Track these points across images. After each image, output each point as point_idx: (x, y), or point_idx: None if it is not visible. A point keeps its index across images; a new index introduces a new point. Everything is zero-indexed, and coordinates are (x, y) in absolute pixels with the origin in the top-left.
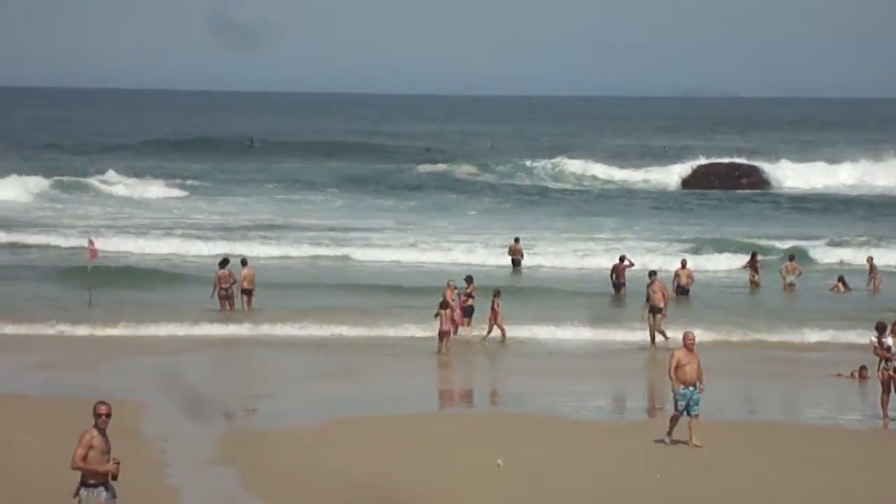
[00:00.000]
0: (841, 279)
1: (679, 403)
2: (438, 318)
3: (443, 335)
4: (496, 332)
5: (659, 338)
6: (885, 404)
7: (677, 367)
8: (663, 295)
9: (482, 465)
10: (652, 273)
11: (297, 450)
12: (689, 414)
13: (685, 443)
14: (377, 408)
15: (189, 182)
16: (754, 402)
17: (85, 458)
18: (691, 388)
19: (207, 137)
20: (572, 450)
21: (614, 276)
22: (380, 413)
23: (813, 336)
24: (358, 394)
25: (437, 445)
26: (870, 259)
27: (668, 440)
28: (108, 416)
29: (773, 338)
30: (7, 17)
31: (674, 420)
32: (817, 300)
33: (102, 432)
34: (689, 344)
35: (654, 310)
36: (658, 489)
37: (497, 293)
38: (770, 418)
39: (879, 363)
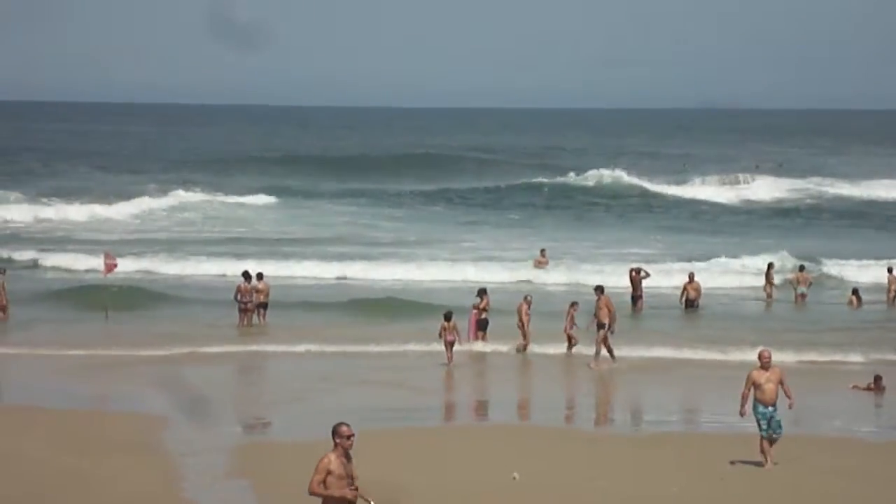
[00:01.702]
0: (855, 292)
1: (761, 423)
2: (443, 329)
3: (448, 345)
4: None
5: (605, 351)
6: None
7: (755, 387)
8: (609, 311)
9: (497, 479)
10: (598, 288)
11: (311, 462)
12: (771, 436)
13: (759, 463)
14: (390, 420)
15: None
16: None
17: (324, 484)
18: (771, 409)
19: (325, 154)
20: (588, 463)
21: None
22: (392, 425)
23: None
24: (372, 405)
25: (451, 457)
26: (890, 270)
27: (769, 466)
28: (352, 437)
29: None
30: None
31: (764, 442)
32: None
33: (345, 455)
34: (765, 362)
35: (599, 325)
36: (675, 502)
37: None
38: (786, 430)
39: None
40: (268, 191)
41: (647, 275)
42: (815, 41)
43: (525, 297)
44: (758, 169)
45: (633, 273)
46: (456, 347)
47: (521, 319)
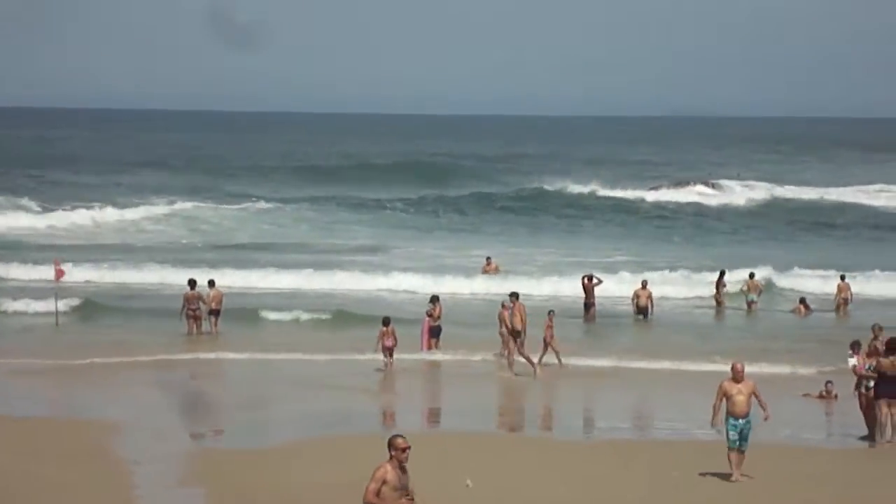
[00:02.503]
0: (802, 301)
1: (731, 434)
2: (381, 334)
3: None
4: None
5: (521, 359)
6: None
7: (726, 398)
8: (522, 319)
9: (450, 486)
10: (513, 295)
11: (264, 469)
12: (739, 448)
13: (728, 476)
14: (346, 426)
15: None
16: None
17: (378, 494)
18: (742, 420)
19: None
20: (544, 470)
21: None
22: (348, 432)
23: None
24: (330, 412)
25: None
26: (843, 277)
27: (738, 477)
28: (407, 450)
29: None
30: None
31: (732, 455)
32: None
33: (400, 467)
34: (737, 375)
35: (513, 333)
36: None
37: (550, 313)
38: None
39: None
40: (243, 198)
41: (600, 281)
42: (789, 51)
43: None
44: (739, 176)
45: (586, 280)
46: (414, 356)
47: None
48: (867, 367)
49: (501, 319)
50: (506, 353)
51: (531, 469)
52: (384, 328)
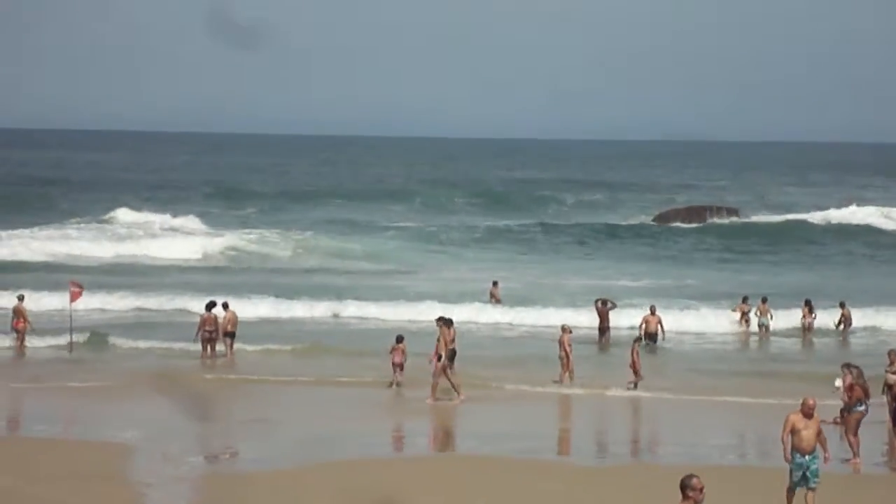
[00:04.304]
0: (808, 303)
1: (794, 474)
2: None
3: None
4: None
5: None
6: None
7: (792, 432)
8: (446, 344)
9: None
10: (441, 319)
11: (277, 492)
12: (807, 486)
13: None
14: (356, 451)
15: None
16: (737, 447)
17: None
18: (808, 457)
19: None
20: (555, 494)
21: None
22: (358, 457)
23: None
24: (338, 437)
25: (414, 488)
26: (842, 304)
27: None
28: (703, 490)
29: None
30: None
31: (790, 494)
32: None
33: None
34: (808, 410)
35: (440, 357)
36: None
37: (638, 340)
38: (761, 464)
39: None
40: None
41: (614, 305)
42: (774, 78)
43: (563, 328)
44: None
45: (599, 304)
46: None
47: (563, 350)
48: (856, 405)
49: (561, 344)
50: (566, 377)
51: (545, 494)
52: (397, 345)
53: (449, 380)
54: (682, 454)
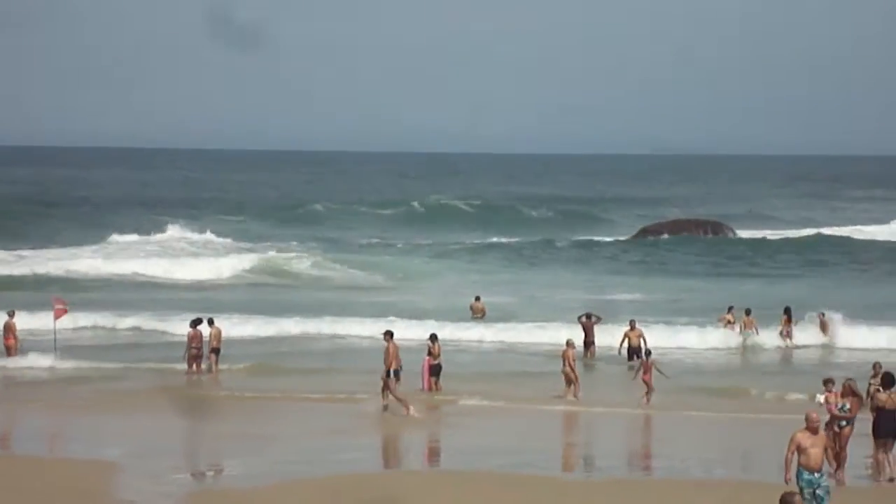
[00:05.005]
0: (787, 311)
1: (805, 492)
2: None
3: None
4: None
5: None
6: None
7: (799, 450)
8: (395, 358)
9: None
10: (387, 333)
11: None
12: None
13: None
14: (340, 467)
15: None
16: (722, 462)
17: None
18: (817, 475)
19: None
20: None
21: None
22: (344, 472)
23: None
24: (321, 453)
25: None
26: (821, 315)
27: None
28: None
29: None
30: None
31: None
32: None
33: None
34: (812, 426)
35: (396, 373)
36: None
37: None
38: (745, 477)
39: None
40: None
41: (599, 319)
42: (759, 92)
43: (567, 342)
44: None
45: (584, 319)
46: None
47: (569, 365)
48: (840, 406)
49: (566, 358)
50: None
51: None
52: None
53: (393, 394)
54: (663, 469)
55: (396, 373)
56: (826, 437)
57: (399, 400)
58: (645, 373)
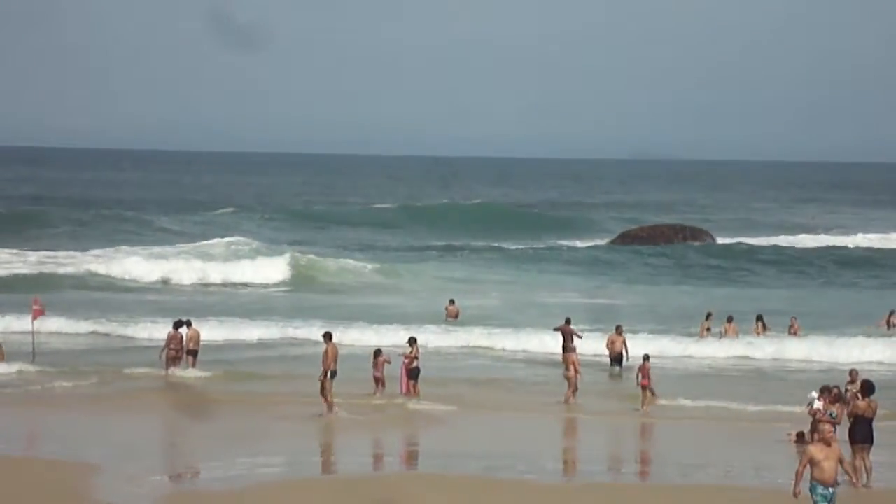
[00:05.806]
0: (759, 318)
1: None
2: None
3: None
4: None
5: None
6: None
7: (812, 464)
8: (333, 359)
9: None
10: (326, 335)
11: None
12: None
13: None
14: (320, 469)
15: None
16: (714, 466)
17: None
18: (832, 490)
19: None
20: None
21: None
22: (324, 475)
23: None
24: (298, 455)
25: None
26: (793, 319)
27: None
28: None
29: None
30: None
31: None
32: None
33: None
34: (826, 438)
35: (333, 374)
36: None
37: (647, 357)
38: (735, 482)
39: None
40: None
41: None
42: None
43: (570, 347)
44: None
45: (563, 323)
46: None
47: (574, 369)
48: (829, 413)
49: (568, 363)
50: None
51: None
52: (376, 359)
53: (326, 394)
54: (642, 473)
55: (334, 374)
56: (840, 449)
57: (325, 401)
58: (643, 377)
